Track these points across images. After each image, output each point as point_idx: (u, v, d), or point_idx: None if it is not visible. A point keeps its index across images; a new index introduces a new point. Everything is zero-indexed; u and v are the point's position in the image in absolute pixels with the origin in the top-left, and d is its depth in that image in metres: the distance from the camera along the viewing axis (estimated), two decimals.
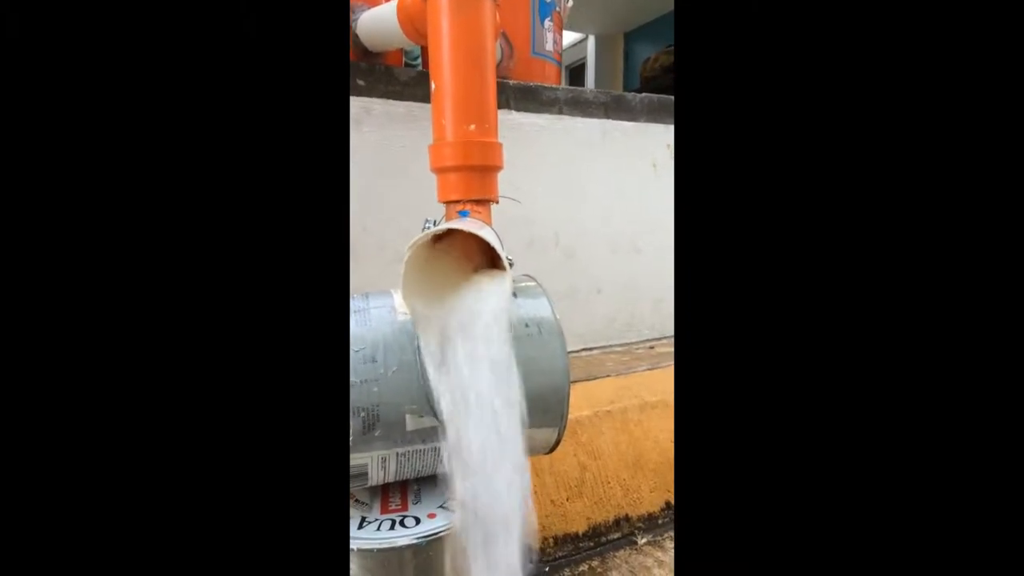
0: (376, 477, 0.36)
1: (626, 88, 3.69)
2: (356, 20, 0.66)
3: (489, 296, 0.30)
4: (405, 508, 0.37)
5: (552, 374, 0.38)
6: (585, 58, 4.04)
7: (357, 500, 0.38)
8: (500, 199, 0.43)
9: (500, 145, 0.42)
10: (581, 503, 0.56)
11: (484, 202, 0.42)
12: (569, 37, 3.93)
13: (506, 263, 0.30)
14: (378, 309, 0.36)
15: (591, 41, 4.00)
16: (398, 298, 0.37)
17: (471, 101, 0.41)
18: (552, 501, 0.55)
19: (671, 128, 0.88)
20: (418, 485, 0.40)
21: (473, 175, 0.41)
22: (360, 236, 0.69)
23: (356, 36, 0.67)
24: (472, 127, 0.40)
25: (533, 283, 0.42)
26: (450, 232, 0.36)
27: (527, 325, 0.38)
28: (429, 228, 0.39)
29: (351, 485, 0.36)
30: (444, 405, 0.30)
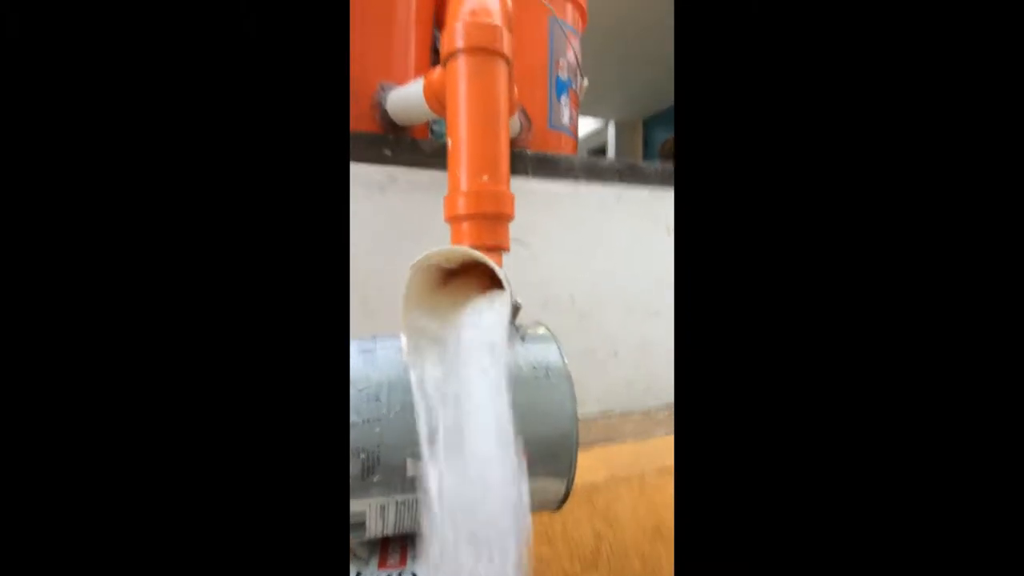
0: (374, 528, 0.34)
1: None
2: (385, 97, 0.71)
3: (487, 309, 0.30)
4: (403, 564, 0.35)
5: (560, 419, 0.37)
6: (606, 142, 4.23)
7: (354, 555, 0.36)
8: (512, 246, 0.44)
9: (512, 196, 0.44)
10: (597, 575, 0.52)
11: (495, 249, 0.43)
12: (591, 123, 4.15)
13: (506, 283, 0.30)
14: (385, 350, 0.36)
15: (611, 126, 4.21)
16: (405, 340, 0.37)
17: (485, 155, 0.43)
18: (565, 573, 0.52)
19: None
20: (419, 541, 0.38)
21: (485, 223, 0.42)
22: (377, 292, 0.70)
23: (385, 111, 0.72)
24: (485, 178, 0.42)
25: (543, 329, 0.42)
26: (452, 275, 0.37)
27: (534, 368, 0.38)
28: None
29: (351, 536, 0.34)
30: (424, 433, 0.29)
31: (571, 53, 0.84)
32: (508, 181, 0.44)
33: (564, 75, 0.84)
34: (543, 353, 0.39)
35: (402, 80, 0.74)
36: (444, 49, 0.44)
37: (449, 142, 0.44)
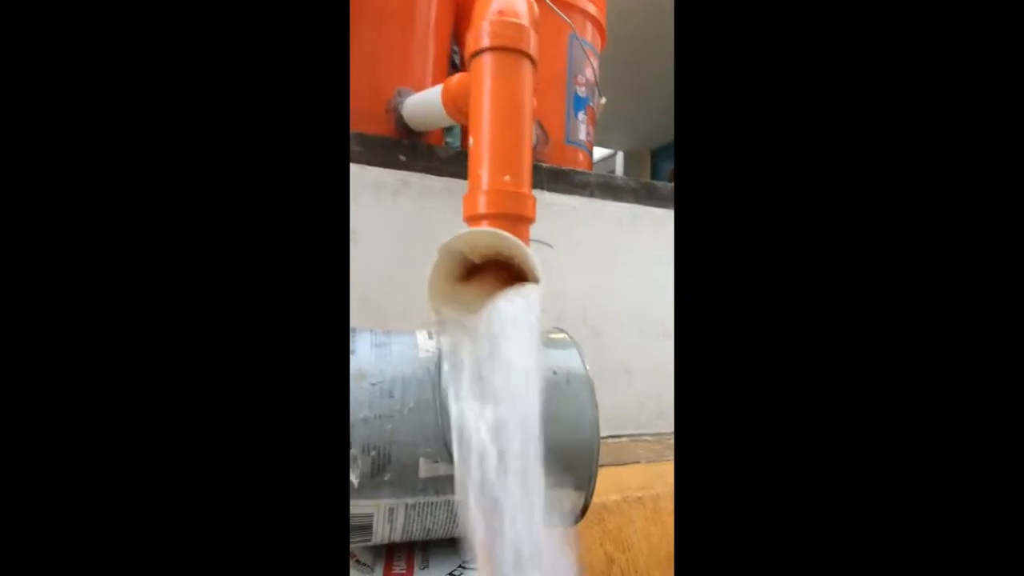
0: (382, 532, 0.32)
1: None
2: (402, 103, 0.71)
3: (518, 296, 0.28)
4: (410, 572, 0.33)
5: (580, 427, 0.35)
6: (615, 170, 4.27)
7: (358, 561, 0.34)
8: (533, 247, 0.42)
9: (534, 198, 0.43)
10: None
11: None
12: (600, 152, 4.19)
13: (538, 275, 0.29)
14: (400, 345, 0.35)
15: (620, 157, 4.25)
16: (422, 336, 0.36)
17: (508, 155, 0.42)
18: None
19: None
20: (426, 548, 0.36)
21: (505, 223, 0.41)
22: (383, 299, 0.69)
23: (401, 116, 0.72)
24: (507, 178, 0.41)
25: (563, 335, 0.41)
26: (477, 270, 0.35)
27: (555, 373, 0.36)
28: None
29: (353, 538, 0.32)
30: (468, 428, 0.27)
31: (589, 70, 0.85)
32: (530, 183, 0.43)
33: (582, 91, 0.84)
34: (564, 358, 0.38)
35: (419, 87, 0.74)
36: (469, 48, 0.43)
37: (471, 141, 0.43)
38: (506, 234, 0.28)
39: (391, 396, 0.32)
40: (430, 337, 0.36)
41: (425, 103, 0.67)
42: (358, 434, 0.30)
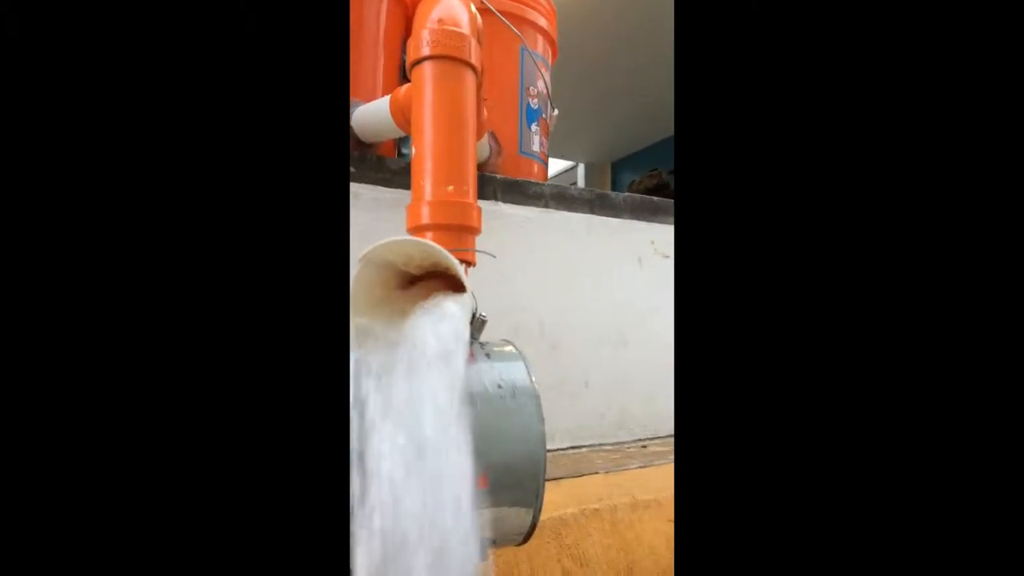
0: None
1: None
2: (351, 114, 0.70)
3: (444, 314, 0.27)
4: None
5: (526, 442, 0.34)
6: (576, 182, 4.32)
7: None
8: (485, 264, 0.42)
9: (479, 209, 0.42)
10: None
11: (460, 263, 0.41)
12: (560, 164, 4.24)
13: (467, 284, 0.28)
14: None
15: (581, 168, 4.31)
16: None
17: (451, 164, 0.41)
18: None
19: (654, 225, 0.90)
20: None
21: (450, 235, 0.40)
22: None
23: (350, 128, 0.70)
24: (450, 188, 0.40)
25: (510, 347, 0.40)
26: (414, 281, 0.34)
27: (500, 387, 0.35)
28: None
29: None
30: (373, 451, 0.25)
31: (541, 83, 0.85)
32: (475, 193, 0.42)
33: (535, 103, 0.85)
34: (509, 371, 0.37)
35: (369, 97, 0.73)
36: (410, 56, 0.43)
37: (413, 150, 0.42)
38: (429, 243, 0.27)
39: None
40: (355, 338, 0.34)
41: (374, 114, 0.66)
42: None
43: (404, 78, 0.82)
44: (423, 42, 0.41)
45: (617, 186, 4.08)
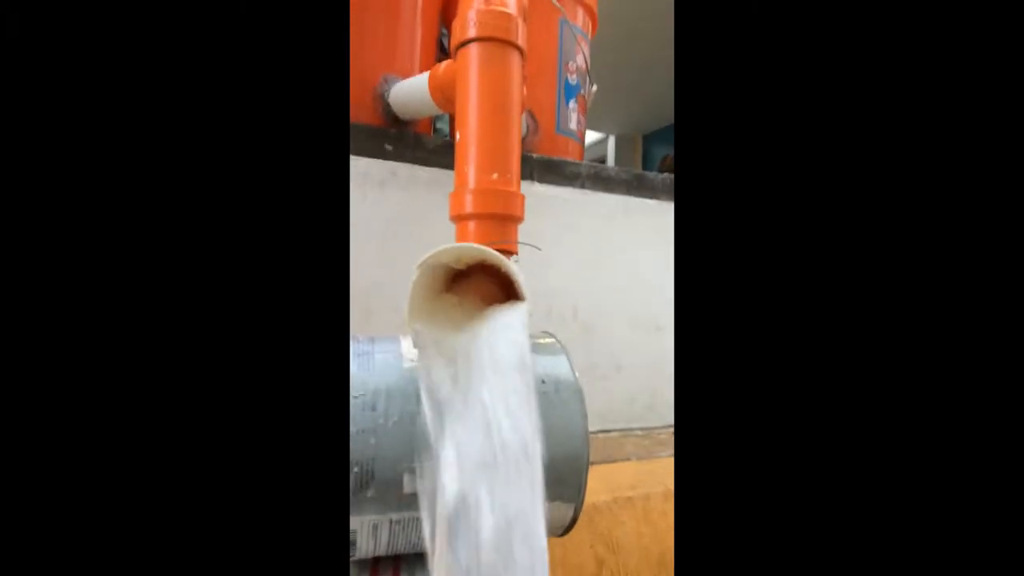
0: (365, 548, 0.31)
1: None
2: (388, 90, 0.69)
3: (508, 326, 0.27)
4: None
5: (569, 440, 0.34)
6: (606, 155, 4.24)
7: None
8: (520, 249, 0.41)
9: (523, 197, 0.41)
10: None
11: (503, 252, 0.40)
12: (591, 136, 4.16)
13: (525, 293, 0.27)
14: (383, 354, 0.33)
15: (611, 141, 4.22)
16: (406, 344, 0.34)
17: (496, 151, 0.40)
18: None
19: None
20: (411, 562, 0.35)
21: (493, 223, 0.40)
22: (372, 292, 0.68)
23: (387, 104, 0.69)
24: (495, 176, 0.39)
25: (552, 339, 0.39)
26: (463, 276, 0.34)
27: (543, 382, 0.35)
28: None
29: None
30: (446, 457, 0.25)
31: (581, 57, 0.83)
32: (519, 180, 0.42)
33: (573, 79, 0.82)
34: (552, 366, 0.36)
35: (406, 74, 0.71)
36: (455, 38, 0.41)
37: (457, 135, 0.41)
38: (490, 250, 0.26)
39: (374, 409, 0.30)
40: (415, 345, 0.34)
41: (412, 91, 0.65)
42: None
43: (442, 53, 0.80)
44: (469, 22, 0.40)
45: (648, 160, 4.00)
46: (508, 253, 0.41)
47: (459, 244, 0.27)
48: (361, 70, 0.69)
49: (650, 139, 4.08)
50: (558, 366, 0.37)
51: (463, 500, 0.22)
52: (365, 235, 0.67)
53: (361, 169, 0.67)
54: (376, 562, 0.34)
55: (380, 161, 0.68)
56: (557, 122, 0.81)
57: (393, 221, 0.69)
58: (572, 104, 0.83)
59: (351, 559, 0.32)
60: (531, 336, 0.39)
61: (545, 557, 0.22)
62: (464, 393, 0.25)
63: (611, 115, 3.70)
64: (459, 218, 0.40)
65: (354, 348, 0.34)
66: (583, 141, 0.88)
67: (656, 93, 3.21)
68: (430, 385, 0.27)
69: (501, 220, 0.40)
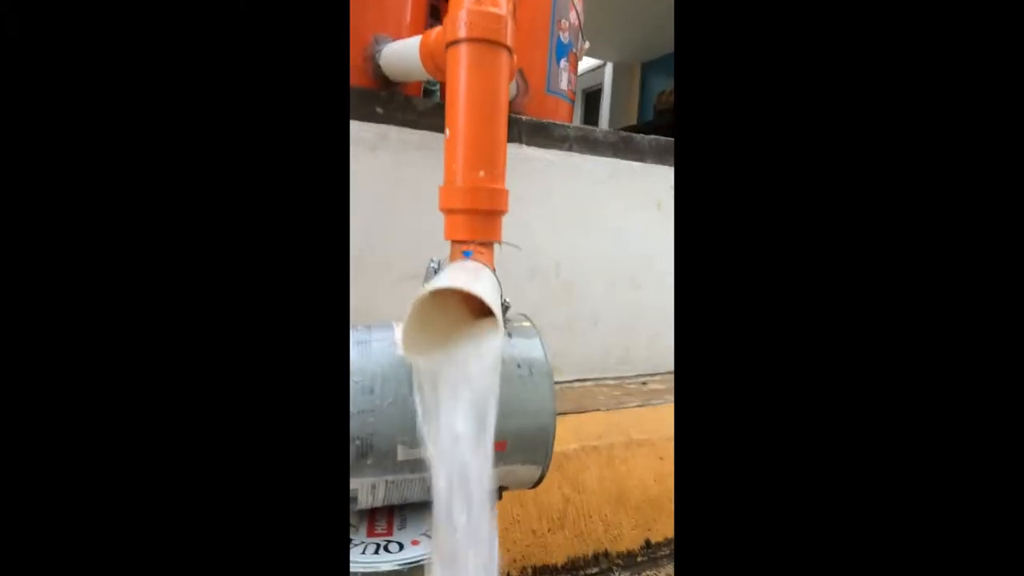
0: (365, 502, 0.38)
1: (639, 117, 3.74)
2: (380, 51, 0.69)
3: (478, 357, 0.32)
4: (390, 533, 0.38)
5: (539, 415, 0.40)
6: (602, 84, 4.10)
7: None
8: (504, 245, 0.45)
9: (507, 192, 0.45)
10: (562, 535, 0.58)
11: (488, 244, 0.44)
12: (587, 62, 3.99)
13: (499, 317, 0.32)
14: (379, 342, 0.38)
15: (608, 68, 4.06)
16: (399, 332, 0.39)
17: (482, 149, 0.43)
18: (533, 531, 0.57)
19: None
20: (404, 511, 0.41)
21: (479, 218, 0.43)
22: (365, 253, 0.71)
23: (378, 66, 0.70)
24: (481, 173, 0.43)
25: (528, 323, 0.44)
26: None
27: (519, 365, 0.40)
28: (433, 268, 0.41)
29: None
30: (430, 447, 0.32)
31: (574, 14, 0.82)
32: (504, 176, 0.45)
33: (566, 37, 0.82)
34: (527, 349, 0.41)
35: (396, 33, 0.71)
36: (447, 35, 0.43)
37: (447, 132, 0.44)
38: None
39: (372, 392, 0.36)
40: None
41: (403, 54, 0.65)
42: None
43: (434, 18, 0.79)
44: (460, 22, 0.41)
45: (645, 91, 3.87)
46: (492, 242, 0.45)
47: (447, 286, 0.31)
48: (353, 30, 0.68)
49: (649, 68, 3.93)
50: (532, 349, 0.42)
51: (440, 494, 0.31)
52: (357, 198, 0.70)
53: (353, 132, 0.69)
54: (373, 512, 0.41)
55: (371, 124, 0.70)
56: (548, 82, 0.82)
57: (386, 184, 0.72)
58: (563, 63, 0.83)
59: (353, 511, 0.39)
60: (510, 319, 0.44)
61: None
62: (436, 406, 0.32)
63: (609, 39, 3.53)
64: (448, 211, 0.44)
65: (354, 336, 0.38)
66: (573, 100, 0.89)
67: (659, 15, 3.06)
68: (421, 399, 0.34)
69: (486, 215, 0.43)
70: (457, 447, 0.31)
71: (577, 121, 1.12)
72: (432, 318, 0.34)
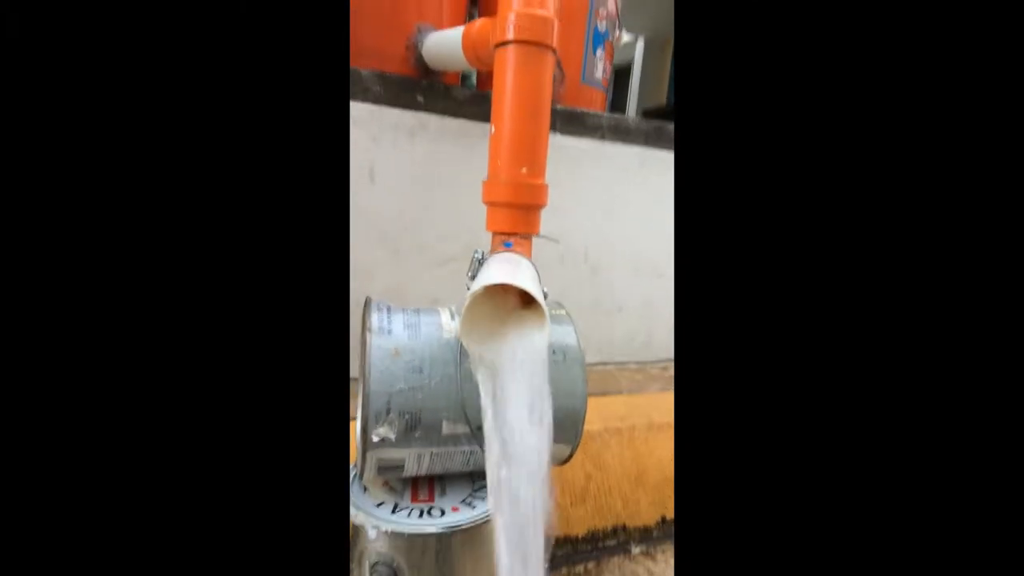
0: (411, 470, 0.42)
1: (670, 96, 3.66)
2: (422, 40, 0.71)
3: (528, 346, 0.36)
4: (432, 500, 0.42)
5: (572, 398, 0.43)
6: (632, 59, 4.01)
7: (391, 488, 0.44)
8: (541, 235, 0.48)
9: (546, 187, 0.47)
10: (583, 509, 0.61)
11: (527, 235, 0.47)
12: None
13: (544, 308, 0.35)
14: (428, 326, 0.42)
15: (640, 44, 3.97)
16: (445, 316, 0.43)
17: (525, 147, 0.45)
18: (557, 505, 0.61)
19: None
20: (443, 481, 0.45)
21: (520, 212, 0.46)
22: (402, 236, 0.75)
23: (420, 55, 0.72)
24: (524, 170, 0.45)
25: (562, 311, 0.47)
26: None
27: (554, 352, 0.43)
28: (478, 259, 0.44)
29: (390, 474, 0.41)
30: (488, 422, 0.36)
31: (612, 2, 0.82)
32: (544, 171, 0.47)
33: (603, 26, 0.82)
34: (561, 335, 0.45)
35: (436, 22, 0.73)
36: (495, 37, 0.45)
37: (492, 129, 0.46)
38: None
39: (421, 372, 0.39)
40: (452, 318, 0.42)
41: (445, 45, 0.68)
42: (395, 402, 0.38)
43: (473, 5, 0.80)
44: (509, 24, 0.44)
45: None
46: (531, 234, 0.48)
47: (499, 281, 0.34)
48: (395, 19, 0.70)
49: None
50: (566, 336, 0.45)
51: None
52: (396, 181, 0.73)
53: (393, 119, 0.72)
54: (416, 480, 0.45)
55: (411, 112, 0.72)
56: (583, 72, 0.83)
57: (422, 169, 0.75)
58: (599, 52, 0.84)
59: (400, 477, 0.43)
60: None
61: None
62: (499, 408, 0.36)
63: (641, 13, 3.45)
64: (491, 204, 0.47)
65: (404, 319, 0.42)
66: (607, 89, 0.90)
67: None
68: (481, 383, 0.37)
69: (527, 209, 0.46)
70: (519, 427, 0.34)
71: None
72: (482, 304, 0.37)
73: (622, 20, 0.87)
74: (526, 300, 0.39)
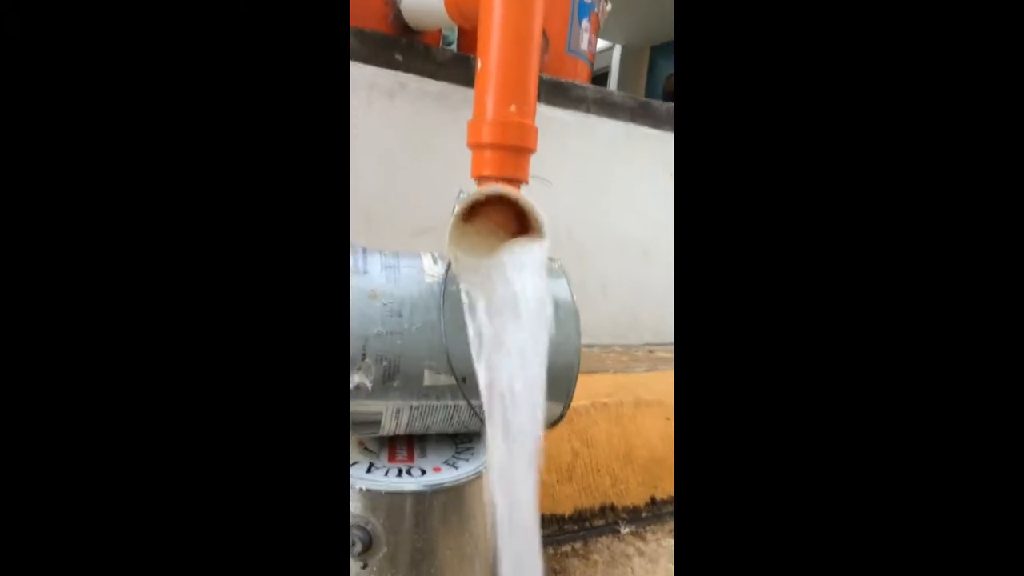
0: (388, 427, 0.37)
1: None
2: None
3: (534, 265, 0.33)
4: (411, 460, 0.38)
5: (566, 353, 0.40)
6: (609, 66, 4.06)
7: (366, 448, 0.40)
8: (531, 180, 0.44)
9: (536, 128, 0.44)
10: (570, 487, 0.58)
11: (515, 181, 0.44)
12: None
13: (543, 223, 0.32)
14: (408, 268, 0.38)
15: (617, 50, 4.02)
16: (427, 260, 0.39)
17: (515, 82, 0.42)
18: (543, 483, 0.57)
19: None
20: (424, 442, 0.41)
21: (508, 154, 0.43)
22: (380, 204, 0.71)
23: (399, 12, 0.68)
24: (513, 108, 0.42)
25: (555, 265, 0.44)
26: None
27: None
28: (463, 196, 0.41)
29: (364, 432, 0.37)
30: (478, 347, 0.33)
31: None
32: (535, 112, 0.44)
33: None
34: (555, 288, 0.41)
35: None
36: None
37: (479, 64, 0.43)
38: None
39: (400, 316, 0.35)
40: (435, 262, 0.39)
41: (426, 2, 0.64)
42: (371, 347, 0.34)
43: None
44: None
45: (653, 75, 3.84)
46: (520, 182, 0.44)
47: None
48: None
49: (659, 51, 3.89)
50: (559, 289, 0.42)
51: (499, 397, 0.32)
52: (371, 145, 0.69)
53: (370, 78, 0.68)
54: (394, 440, 0.41)
55: (389, 71, 0.68)
56: (568, 42, 0.81)
57: (403, 135, 0.71)
58: (585, 23, 0.82)
59: (375, 435, 0.39)
60: None
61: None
62: (496, 329, 0.32)
63: (618, 20, 3.49)
64: (476, 146, 0.43)
65: (382, 260, 0.38)
66: (592, 62, 0.88)
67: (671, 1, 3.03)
68: (470, 304, 0.33)
69: (516, 151, 0.43)
70: (512, 358, 0.31)
71: None
72: (469, 237, 0.33)
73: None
74: (518, 232, 0.36)
